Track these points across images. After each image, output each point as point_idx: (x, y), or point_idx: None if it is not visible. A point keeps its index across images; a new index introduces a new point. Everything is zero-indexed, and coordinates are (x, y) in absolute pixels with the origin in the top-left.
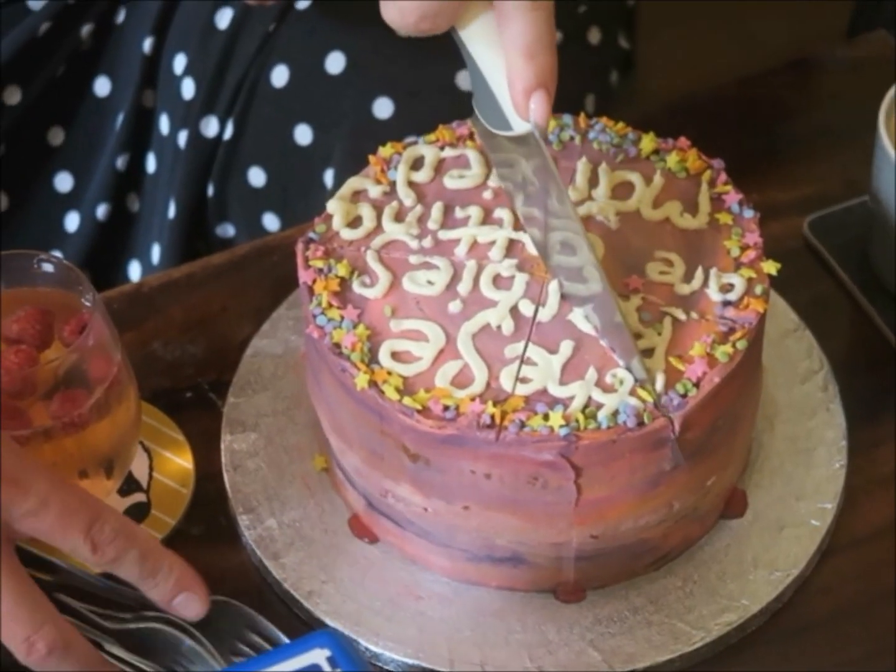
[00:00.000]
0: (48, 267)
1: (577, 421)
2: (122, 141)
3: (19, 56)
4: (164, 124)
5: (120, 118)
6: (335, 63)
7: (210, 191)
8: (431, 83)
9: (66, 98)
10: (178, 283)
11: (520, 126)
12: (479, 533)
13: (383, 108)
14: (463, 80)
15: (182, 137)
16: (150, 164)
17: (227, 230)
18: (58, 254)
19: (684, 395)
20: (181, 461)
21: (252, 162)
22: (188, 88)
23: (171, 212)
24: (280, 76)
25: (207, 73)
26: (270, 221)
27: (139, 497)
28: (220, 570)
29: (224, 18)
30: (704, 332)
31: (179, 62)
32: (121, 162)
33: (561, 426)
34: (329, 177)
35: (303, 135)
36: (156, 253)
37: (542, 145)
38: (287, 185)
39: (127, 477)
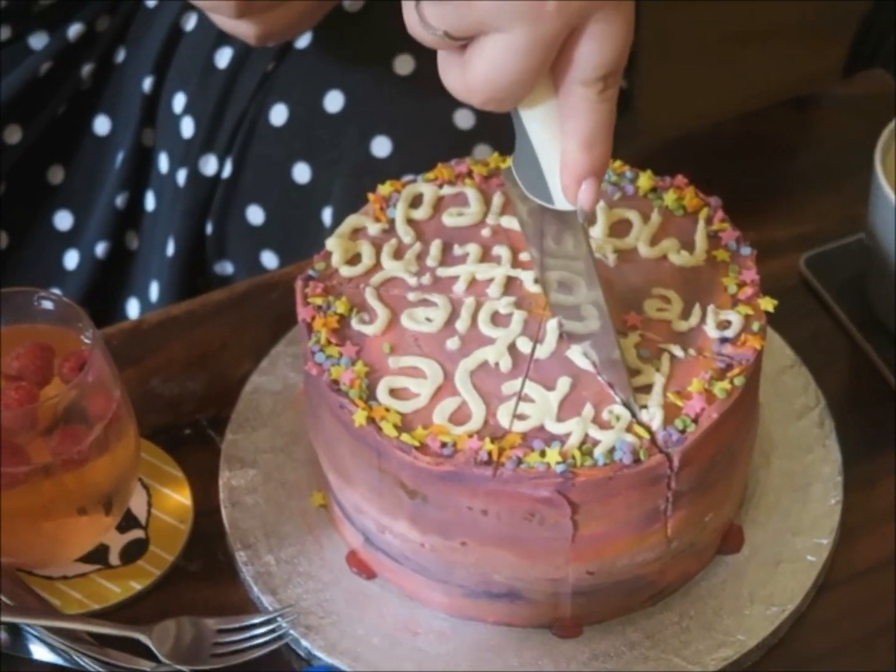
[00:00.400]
0: (48, 304)
1: (573, 458)
2: (122, 179)
3: (20, 95)
4: (163, 163)
5: (120, 157)
6: (334, 102)
7: (209, 229)
8: (430, 122)
9: (66, 137)
10: (177, 320)
11: (563, 204)
12: (477, 569)
13: (382, 146)
14: (461, 118)
15: (181, 176)
16: (150, 202)
17: (226, 268)
18: (57, 292)
19: (683, 431)
20: (180, 497)
21: (251, 200)
22: (187, 127)
23: (170, 250)
24: (279, 115)
25: (207, 112)
26: (269, 259)
27: (138, 533)
28: (219, 606)
29: (224, 58)
30: (702, 369)
31: (179, 101)
32: (120, 200)
33: (557, 463)
34: (328, 215)
35: (301, 173)
36: (154, 291)
37: (584, 226)
38: (286, 223)
39: (126, 513)
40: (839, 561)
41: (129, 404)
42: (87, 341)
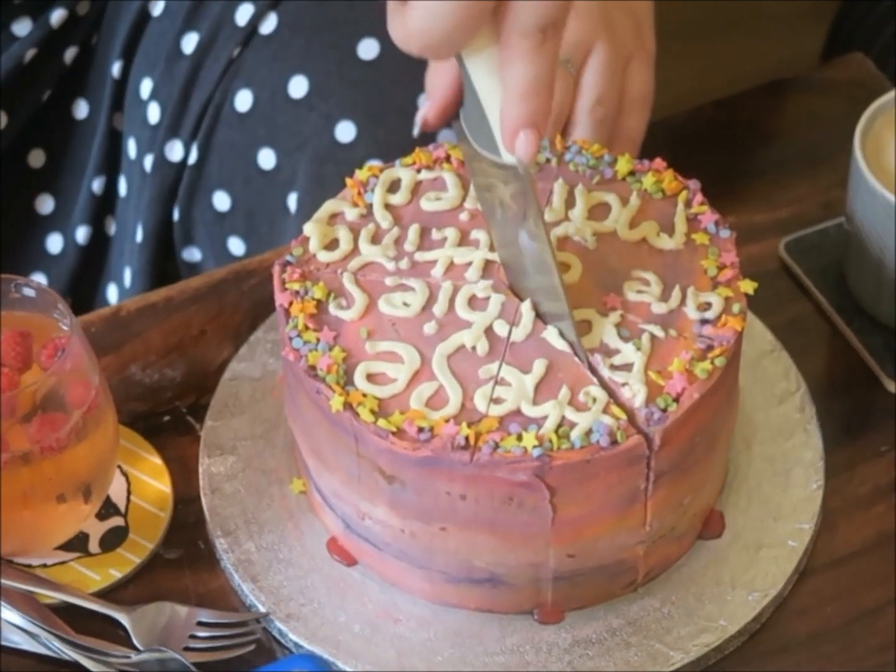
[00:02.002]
0: (26, 291)
1: (550, 441)
2: (97, 164)
3: (6, 83)
4: (131, 148)
5: (95, 141)
6: (298, 87)
7: (176, 215)
8: (394, 107)
9: (47, 120)
10: (156, 307)
11: (507, 157)
12: (457, 554)
13: (346, 131)
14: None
15: (148, 161)
16: (122, 187)
17: (194, 254)
18: (41, 276)
19: (665, 410)
20: (159, 485)
21: (217, 186)
22: (154, 113)
23: (139, 236)
24: (244, 100)
25: (172, 98)
26: (236, 246)
27: (117, 521)
28: (199, 594)
29: (190, 43)
30: (683, 349)
31: (146, 86)
32: (97, 185)
33: (534, 447)
34: (293, 201)
35: (266, 159)
36: (128, 276)
37: (525, 178)
38: (252, 209)
39: (105, 501)
40: (820, 546)
41: (107, 391)
42: (64, 328)
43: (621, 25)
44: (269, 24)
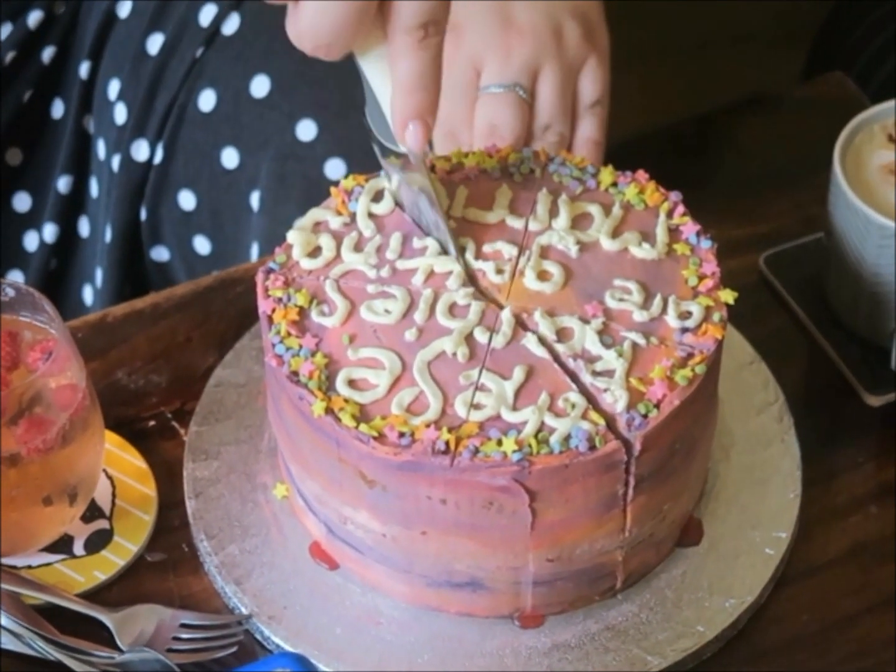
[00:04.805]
0: (14, 294)
1: (529, 446)
2: (64, 164)
3: None
4: (101, 149)
5: (66, 142)
6: (260, 86)
7: (143, 214)
8: (354, 105)
9: (24, 119)
10: (142, 314)
11: (402, 146)
12: (438, 558)
13: (307, 130)
14: None
15: (116, 162)
16: (94, 188)
17: (162, 254)
18: (18, 273)
19: (645, 416)
20: (144, 488)
21: (182, 185)
22: (120, 113)
23: (108, 236)
24: (207, 100)
25: (138, 98)
26: (201, 245)
27: (102, 524)
28: (183, 596)
29: (155, 44)
30: (664, 357)
31: (113, 88)
32: (63, 184)
33: (514, 451)
34: (255, 199)
35: (230, 158)
36: (99, 277)
37: (422, 167)
38: (216, 208)
39: (90, 504)
40: (797, 554)
41: (94, 395)
42: (52, 331)
43: (570, 33)
44: (231, 25)
